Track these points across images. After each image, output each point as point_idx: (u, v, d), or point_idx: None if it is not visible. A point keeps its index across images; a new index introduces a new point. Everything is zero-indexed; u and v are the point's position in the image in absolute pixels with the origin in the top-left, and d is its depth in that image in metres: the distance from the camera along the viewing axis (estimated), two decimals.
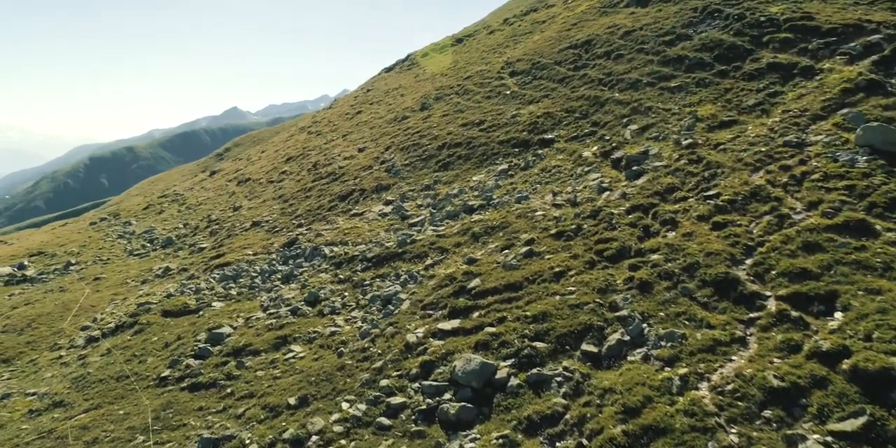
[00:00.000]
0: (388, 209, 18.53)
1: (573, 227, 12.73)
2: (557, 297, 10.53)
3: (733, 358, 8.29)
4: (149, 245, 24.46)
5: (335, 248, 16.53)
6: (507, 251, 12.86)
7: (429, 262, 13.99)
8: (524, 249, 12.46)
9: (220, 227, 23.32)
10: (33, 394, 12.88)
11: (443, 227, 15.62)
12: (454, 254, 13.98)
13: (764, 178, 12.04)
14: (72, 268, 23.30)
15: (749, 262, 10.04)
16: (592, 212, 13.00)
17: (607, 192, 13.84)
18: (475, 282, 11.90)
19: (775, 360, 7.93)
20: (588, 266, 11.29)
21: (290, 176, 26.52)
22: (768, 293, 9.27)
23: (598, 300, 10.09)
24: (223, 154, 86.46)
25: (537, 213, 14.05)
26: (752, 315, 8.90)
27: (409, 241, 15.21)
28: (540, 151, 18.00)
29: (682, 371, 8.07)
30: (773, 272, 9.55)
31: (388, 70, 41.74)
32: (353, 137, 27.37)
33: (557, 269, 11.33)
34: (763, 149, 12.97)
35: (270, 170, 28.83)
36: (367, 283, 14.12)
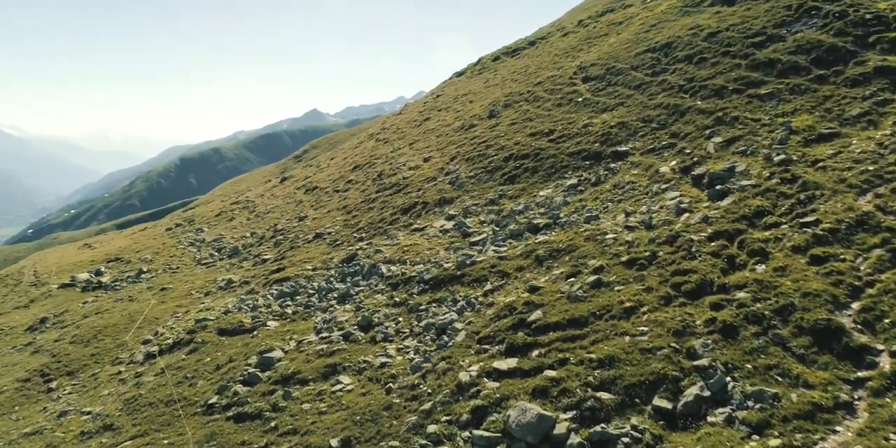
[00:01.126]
0: (449, 225, 17.76)
1: (647, 254, 11.52)
2: (627, 338, 9.42)
3: (837, 429, 6.98)
4: (216, 254, 24.73)
5: (392, 267, 15.89)
6: (572, 279, 11.80)
7: (488, 287, 13.10)
8: (592, 278, 11.37)
9: (284, 237, 23.24)
10: (88, 413, 12.89)
11: (505, 248, 14.68)
12: (515, 279, 13.04)
13: (872, 204, 10.46)
14: (143, 276, 23.82)
15: (855, 306, 8.61)
16: (669, 237, 11.74)
17: (687, 215, 12.53)
18: (536, 314, 10.92)
19: (892, 436, 6.60)
20: (663, 302, 10.10)
21: (355, 185, 26.22)
22: (880, 347, 7.85)
23: (673, 344, 8.93)
24: (301, 156, 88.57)
25: (608, 236, 12.89)
26: (860, 374, 7.53)
27: (468, 262, 14.36)
28: (613, 165, 16.76)
29: (775, 443, 6.85)
30: (887, 320, 8.13)
31: (460, 74, 41.04)
32: (419, 146, 26.80)
33: (628, 304, 10.20)
34: (871, 167, 11.34)
35: (337, 178, 28.69)
36: (423, 307, 13.38)
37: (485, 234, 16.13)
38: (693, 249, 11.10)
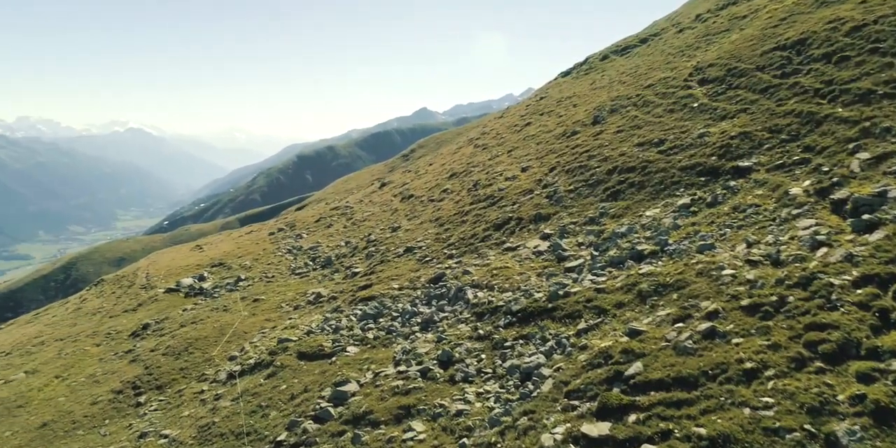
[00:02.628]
0: (544, 246, 16.36)
1: (774, 298, 9.66)
2: (747, 411, 7.75)
3: None
4: (311, 263, 24.69)
5: (479, 293, 14.75)
6: (680, 324, 10.14)
7: (582, 325, 11.66)
8: (704, 326, 9.67)
9: (376, 249, 22.72)
10: (166, 436, 12.75)
11: (604, 278, 13.13)
12: (613, 318, 11.50)
13: None
14: (241, 283, 24.17)
15: None
16: (802, 278, 9.80)
17: (824, 250, 10.47)
18: (636, 366, 9.40)
19: None
20: (794, 365, 8.29)
21: (450, 195, 25.31)
22: None
23: (808, 426, 7.19)
24: (408, 155, 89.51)
25: (724, 272, 11.06)
26: None
27: (561, 293, 12.95)
28: (732, 183, 14.70)
29: None
30: None
31: (566, 74, 39.14)
32: (517, 154, 25.46)
33: (749, 365, 8.48)
34: None
35: (433, 186, 27.91)
36: (508, 344, 12.14)
37: (582, 260, 14.62)
38: (833, 297, 9.14)
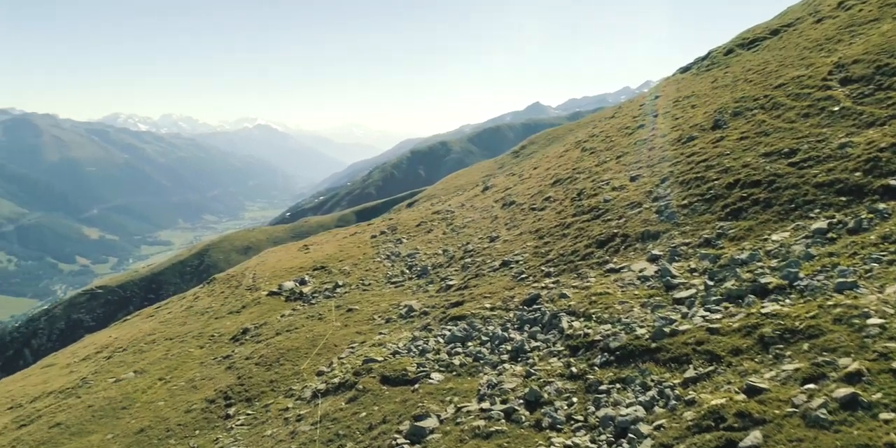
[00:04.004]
0: (651, 270, 14.77)
1: None
2: None
3: None
4: (407, 272, 24.26)
5: (575, 323, 13.47)
6: (812, 386, 8.46)
7: (690, 373, 10.15)
8: (843, 392, 7.96)
9: (472, 261, 21.86)
10: None
11: (718, 315, 11.47)
12: (728, 367, 9.91)
13: None
14: (338, 290, 24.18)
15: None
16: None
17: None
18: (753, 437, 7.90)
19: None
20: None
21: (552, 204, 23.94)
22: None
23: None
24: (518, 151, 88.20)
25: (870, 321, 9.19)
26: None
27: (668, 330, 11.45)
28: (881, 206, 12.46)
29: None
30: None
31: (685, 70, 36.30)
32: (627, 160, 23.64)
33: None
34: None
35: (536, 193, 26.62)
36: (604, 388, 10.85)
37: (693, 290, 12.96)
38: None
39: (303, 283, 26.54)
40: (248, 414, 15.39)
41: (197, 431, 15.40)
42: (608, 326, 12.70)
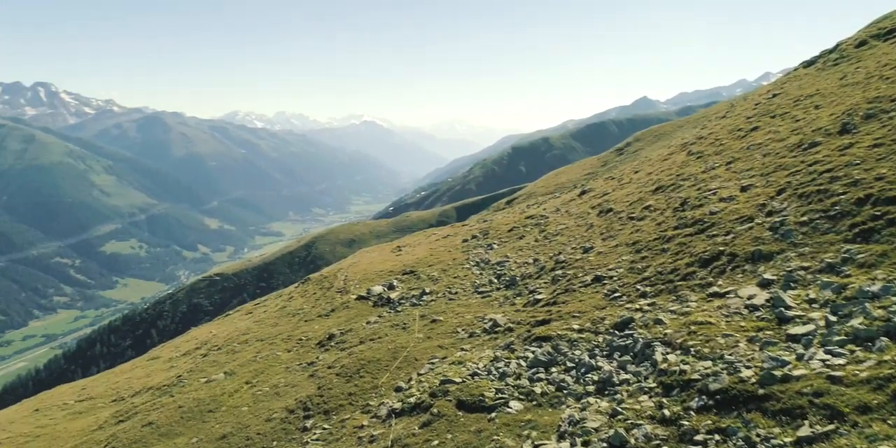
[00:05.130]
0: (761, 297, 13.11)
1: None
2: None
3: None
4: (495, 281, 23.41)
5: (671, 356, 12.14)
6: None
7: (805, 431, 8.70)
8: None
9: (563, 273, 20.69)
10: None
11: (842, 360, 9.85)
12: (853, 428, 8.39)
13: None
14: (424, 298, 23.74)
15: None
16: None
17: None
18: None
19: None
20: None
21: (652, 213, 22.25)
22: None
23: None
24: (623, 149, 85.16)
25: None
26: None
27: (779, 375, 9.97)
28: None
29: None
30: None
31: (809, 64, 32.93)
32: (738, 167, 21.54)
33: None
34: None
35: (635, 201, 24.93)
36: (700, 438, 9.56)
37: (812, 326, 11.28)
38: None
39: (391, 288, 26.36)
40: (325, 429, 15.18)
41: (275, 442, 15.41)
42: (708, 363, 11.30)
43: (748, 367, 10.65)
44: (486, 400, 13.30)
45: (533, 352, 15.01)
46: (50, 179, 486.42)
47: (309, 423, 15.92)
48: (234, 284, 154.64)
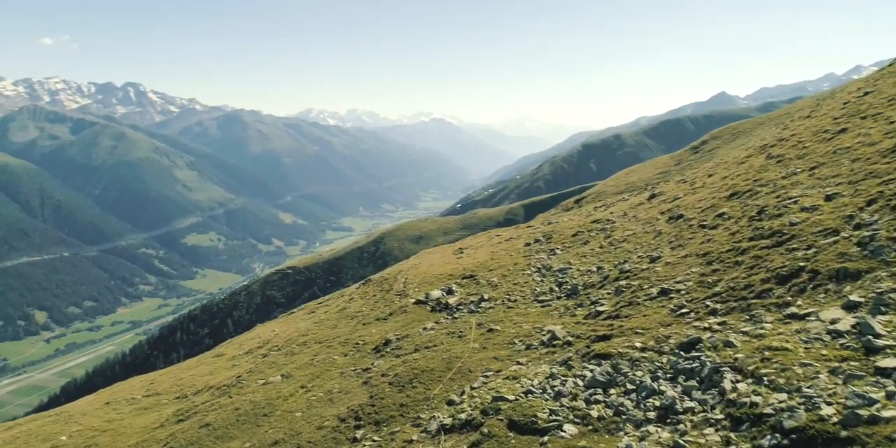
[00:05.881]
0: (846, 322, 11.91)
1: None
2: None
3: None
4: (556, 289, 22.60)
5: (741, 385, 11.17)
6: None
7: None
8: None
9: (627, 284, 19.70)
10: None
11: None
12: None
13: None
14: (482, 304, 23.20)
15: None
16: None
17: None
18: None
19: None
20: None
21: (726, 222, 20.89)
22: None
23: None
24: (698, 147, 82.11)
25: None
26: None
27: (865, 415, 8.93)
28: None
29: None
30: None
31: None
32: (822, 173, 19.92)
33: None
34: None
35: (708, 207, 23.54)
36: None
37: None
38: None
39: (450, 292, 25.98)
40: (374, 441, 14.92)
41: None
42: (783, 396, 10.31)
43: (829, 404, 9.62)
44: (540, 421, 12.68)
45: (591, 370, 14.26)
46: (137, 174, 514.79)
47: (359, 434, 15.72)
48: (306, 278, 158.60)
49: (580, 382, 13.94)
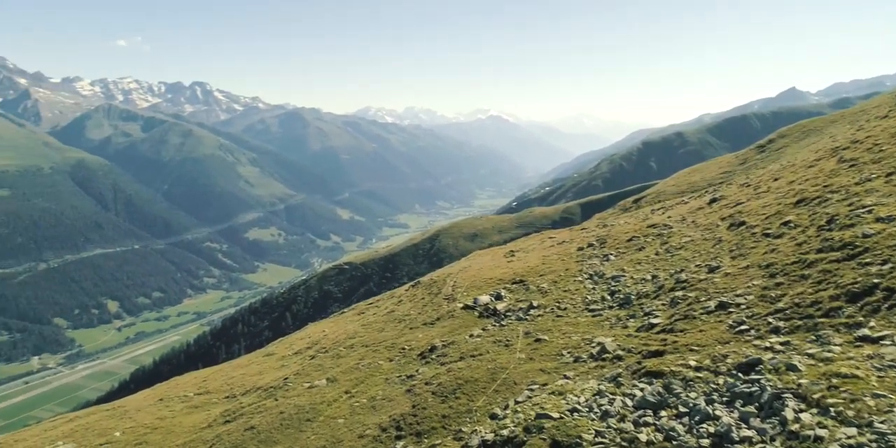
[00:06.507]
0: None
1: None
2: None
3: None
4: (608, 298, 21.78)
5: (805, 415, 10.31)
6: None
7: None
8: None
9: (683, 296, 18.78)
10: None
11: None
12: None
13: None
14: (531, 312, 22.61)
15: None
16: None
17: None
18: None
19: None
20: None
21: (792, 231, 19.65)
22: None
23: None
24: (765, 146, 79.07)
25: None
26: None
27: None
28: None
29: None
30: None
31: None
32: None
33: None
34: None
35: (772, 214, 22.24)
36: None
37: None
38: None
39: (498, 298, 25.48)
40: None
41: None
42: (852, 431, 9.45)
43: None
44: (584, 443, 12.10)
45: (641, 389, 13.56)
46: (203, 170, 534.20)
47: (399, 445, 15.45)
48: (362, 274, 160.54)
49: (629, 402, 13.26)
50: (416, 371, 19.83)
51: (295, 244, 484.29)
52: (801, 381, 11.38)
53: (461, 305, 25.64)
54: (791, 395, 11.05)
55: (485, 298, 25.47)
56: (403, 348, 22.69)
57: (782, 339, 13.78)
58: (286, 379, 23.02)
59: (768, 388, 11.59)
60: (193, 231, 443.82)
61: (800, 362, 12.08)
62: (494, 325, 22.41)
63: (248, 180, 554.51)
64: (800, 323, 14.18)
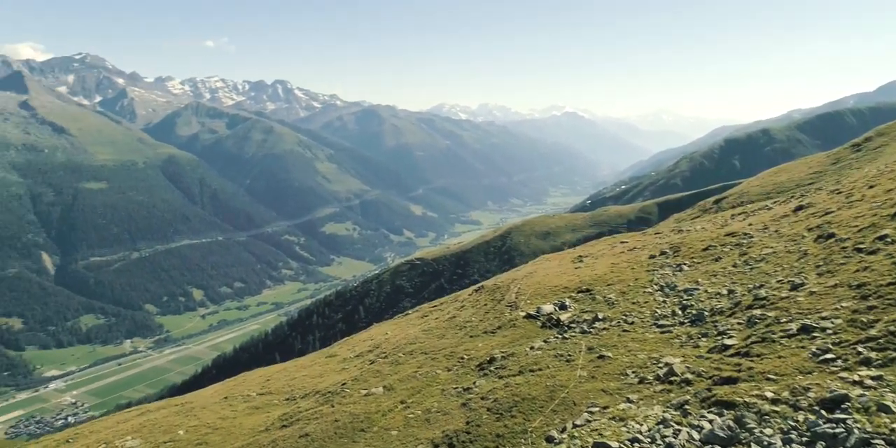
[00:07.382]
0: None
1: None
2: None
3: None
4: (679, 313, 20.49)
5: None
6: None
7: None
8: None
9: (762, 315, 17.37)
10: None
11: None
12: None
13: None
14: (596, 324, 21.60)
15: None
16: None
17: None
18: None
19: None
20: None
21: (888, 246, 17.81)
22: None
23: None
24: (861, 144, 74.32)
25: None
26: None
27: None
28: None
29: None
30: None
31: None
32: None
33: None
34: None
35: (866, 226, 20.33)
36: None
37: None
38: None
39: (563, 308, 24.57)
40: None
41: None
42: None
43: None
44: None
45: (710, 421, 12.52)
46: (283, 166, 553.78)
47: None
48: (433, 270, 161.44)
49: (695, 435, 12.26)
50: (474, 383, 19.30)
51: (369, 239, 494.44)
52: (894, 425, 10.15)
53: (524, 314, 24.90)
54: (883, 442, 9.85)
55: (548, 308, 24.63)
56: (462, 357, 22.20)
57: (874, 372, 12.39)
58: (344, 384, 23.02)
59: (855, 431, 10.40)
60: (273, 224, 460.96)
61: (894, 402, 10.80)
62: (557, 338, 21.58)
63: (325, 176, 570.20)
64: (894, 355, 12.75)
